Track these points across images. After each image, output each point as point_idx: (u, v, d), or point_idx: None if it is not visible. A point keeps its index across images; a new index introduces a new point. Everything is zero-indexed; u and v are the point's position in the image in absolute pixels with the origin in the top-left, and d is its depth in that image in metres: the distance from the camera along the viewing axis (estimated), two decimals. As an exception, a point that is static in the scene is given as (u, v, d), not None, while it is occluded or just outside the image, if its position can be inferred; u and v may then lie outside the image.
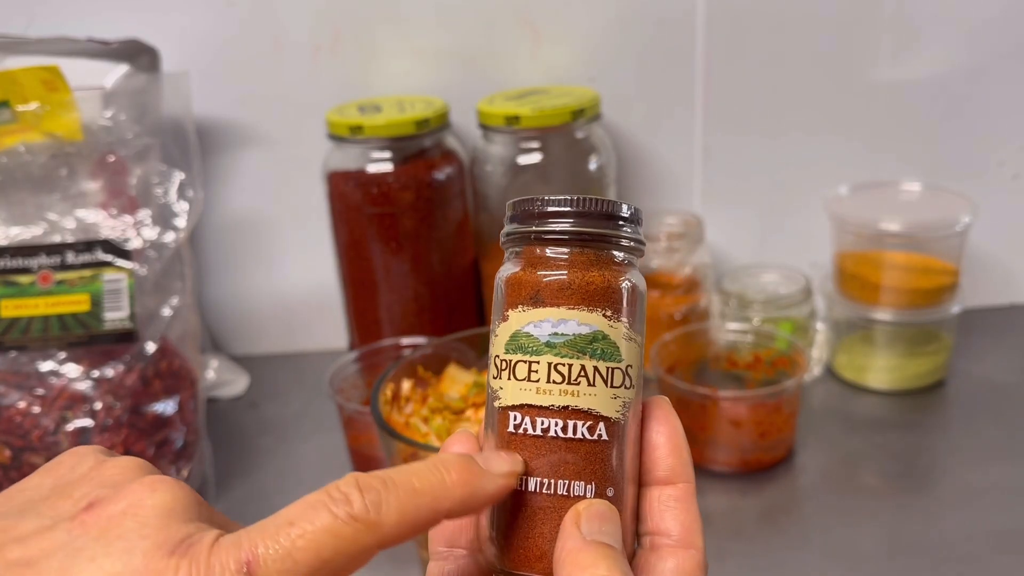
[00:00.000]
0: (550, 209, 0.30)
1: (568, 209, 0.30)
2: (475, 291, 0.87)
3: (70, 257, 0.70)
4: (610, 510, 0.29)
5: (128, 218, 0.72)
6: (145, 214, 0.73)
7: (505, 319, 0.31)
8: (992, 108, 0.89)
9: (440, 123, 0.79)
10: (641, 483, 0.31)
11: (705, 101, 0.88)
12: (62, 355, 0.69)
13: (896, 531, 0.66)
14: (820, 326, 0.88)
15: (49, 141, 0.71)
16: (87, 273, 0.70)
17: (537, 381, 0.30)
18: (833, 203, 0.84)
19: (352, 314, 0.85)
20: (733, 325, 0.81)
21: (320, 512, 0.24)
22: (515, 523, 0.30)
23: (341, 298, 0.86)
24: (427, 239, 0.80)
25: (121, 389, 0.69)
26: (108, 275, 0.70)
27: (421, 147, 0.79)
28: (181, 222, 0.74)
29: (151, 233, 0.73)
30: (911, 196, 0.85)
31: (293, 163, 0.88)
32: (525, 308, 0.30)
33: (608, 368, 0.30)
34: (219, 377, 0.89)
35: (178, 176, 0.75)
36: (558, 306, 0.30)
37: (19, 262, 0.70)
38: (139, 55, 0.78)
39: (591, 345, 0.30)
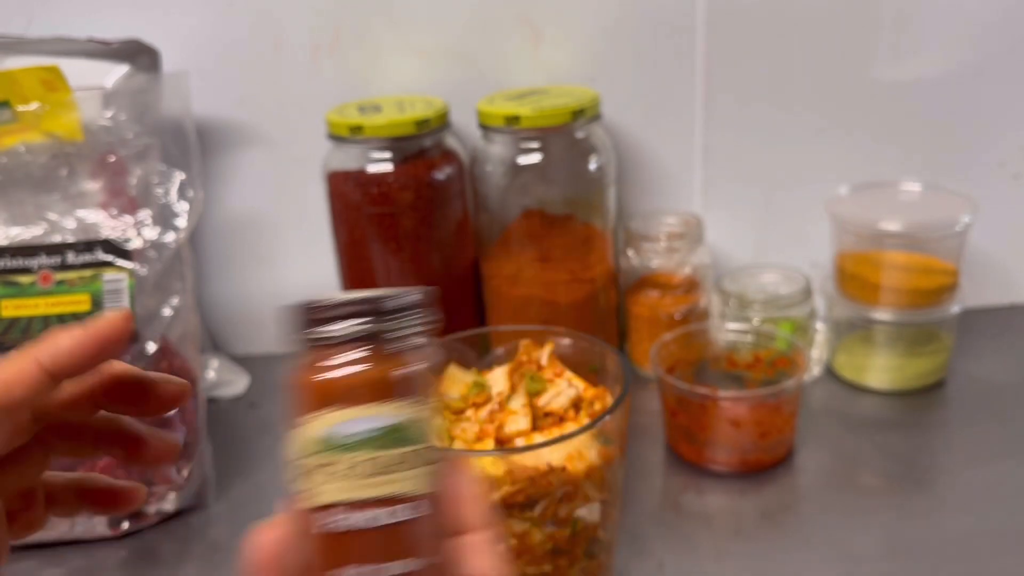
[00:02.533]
0: (324, 315, 0.31)
1: (342, 311, 0.31)
2: (475, 291, 0.87)
3: (70, 257, 0.70)
4: None
5: (128, 218, 0.72)
6: (145, 214, 0.73)
7: (305, 423, 0.31)
8: (992, 108, 0.89)
9: (440, 123, 0.79)
10: (448, 533, 0.32)
11: (705, 101, 0.88)
12: (62, 355, 0.69)
13: (896, 531, 0.66)
14: (820, 326, 0.88)
15: (49, 141, 0.71)
16: (87, 273, 0.70)
17: (350, 478, 0.30)
18: (833, 203, 0.84)
19: (352, 314, 0.85)
20: (733, 325, 0.81)
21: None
22: None
23: (341, 298, 0.86)
24: (427, 239, 0.80)
25: (121, 389, 0.69)
26: (108, 275, 0.70)
27: (421, 147, 0.79)
28: (181, 222, 0.74)
29: (151, 233, 0.73)
30: (911, 196, 0.85)
31: (293, 163, 0.88)
32: (324, 411, 0.30)
33: (415, 451, 0.30)
34: (219, 377, 0.89)
35: (178, 176, 0.75)
36: (357, 404, 0.30)
37: (19, 262, 0.70)
38: (139, 55, 0.78)
39: (396, 434, 0.30)
